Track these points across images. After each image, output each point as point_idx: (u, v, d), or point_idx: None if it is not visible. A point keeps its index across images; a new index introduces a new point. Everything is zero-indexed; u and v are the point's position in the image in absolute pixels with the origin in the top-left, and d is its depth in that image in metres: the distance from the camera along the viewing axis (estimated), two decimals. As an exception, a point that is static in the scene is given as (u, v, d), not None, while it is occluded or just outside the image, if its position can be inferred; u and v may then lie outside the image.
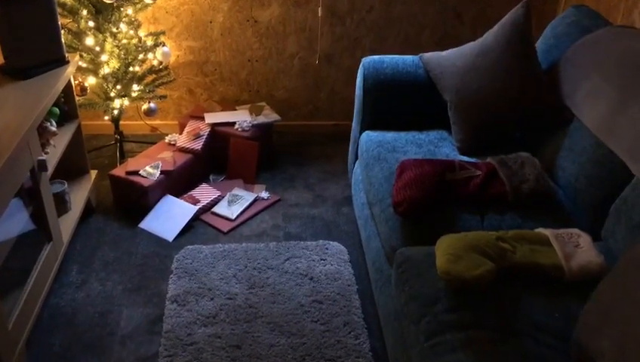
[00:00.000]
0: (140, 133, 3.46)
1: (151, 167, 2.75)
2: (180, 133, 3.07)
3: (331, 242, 2.60)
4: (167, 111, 3.45)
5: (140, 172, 2.72)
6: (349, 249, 2.58)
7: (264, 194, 2.91)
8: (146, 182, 2.68)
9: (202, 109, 3.21)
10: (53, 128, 2.28)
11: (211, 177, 3.06)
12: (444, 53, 2.49)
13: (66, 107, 2.55)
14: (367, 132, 2.55)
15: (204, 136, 2.99)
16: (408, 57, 2.59)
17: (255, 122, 3.08)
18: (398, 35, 3.32)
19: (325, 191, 3.03)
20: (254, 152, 2.99)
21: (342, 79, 3.44)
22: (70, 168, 2.68)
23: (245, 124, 3.04)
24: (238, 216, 2.76)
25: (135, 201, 2.75)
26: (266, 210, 2.85)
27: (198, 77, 3.35)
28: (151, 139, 3.40)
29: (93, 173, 2.78)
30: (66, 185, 2.47)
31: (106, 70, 2.75)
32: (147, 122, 3.43)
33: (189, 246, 2.55)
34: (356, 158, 2.69)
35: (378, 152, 2.35)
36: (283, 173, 3.16)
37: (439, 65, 2.46)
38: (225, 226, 2.70)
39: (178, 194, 2.85)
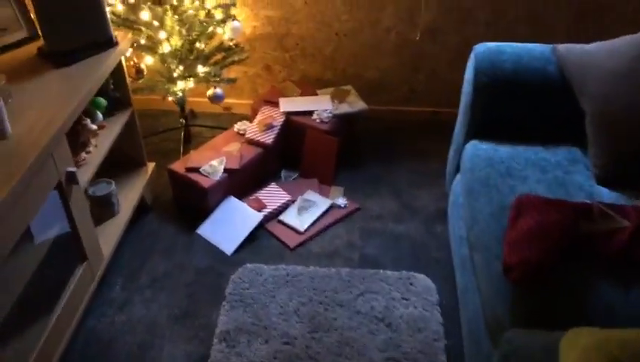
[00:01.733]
0: (211, 111, 3.09)
1: (213, 164, 2.38)
2: (252, 120, 2.66)
3: (417, 274, 2.12)
4: (242, 89, 3.04)
5: (201, 169, 2.35)
6: (439, 286, 2.09)
7: (341, 201, 2.46)
8: (206, 183, 2.32)
9: (278, 92, 2.77)
10: (94, 126, 1.94)
11: (283, 174, 2.65)
12: (588, 46, 1.86)
13: (117, 94, 2.21)
14: (474, 142, 2.00)
15: (277, 128, 2.56)
16: (536, 47, 1.98)
17: (337, 112, 2.60)
18: (519, 8, 2.66)
19: (415, 201, 2.52)
20: (333, 150, 2.53)
21: (446, 59, 2.85)
22: (123, 160, 2.37)
23: (325, 114, 2.57)
24: (308, 228, 2.34)
25: (194, 202, 2.41)
26: (341, 221, 2.41)
27: (276, 52, 2.90)
28: (222, 121, 3.03)
29: (150, 166, 2.46)
30: (114, 185, 2.15)
31: (165, 48, 2.36)
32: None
33: (248, 265, 2.17)
34: (457, 170, 2.16)
35: (487, 174, 1.81)
36: (366, 173, 2.68)
37: (580, 63, 1.83)
38: (292, 240, 2.29)
39: (243, 193, 2.47)
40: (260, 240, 2.32)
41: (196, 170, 2.37)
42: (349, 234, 2.35)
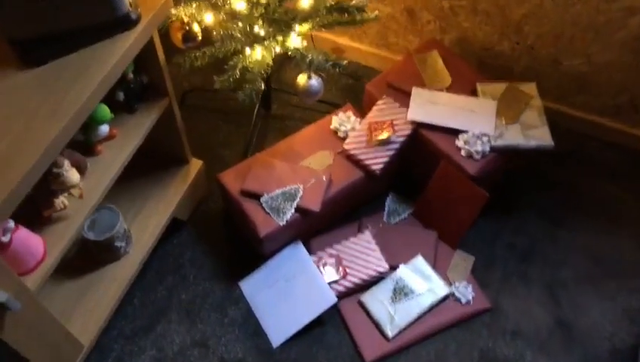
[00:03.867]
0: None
1: (280, 195, 1.53)
2: (362, 114, 1.70)
3: None
4: (366, 31, 2.00)
5: (262, 200, 1.52)
6: None
7: (465, 292, 1.57)
8: (263, 227, 1.50)
9: (411, 67, 1.72)
10: (76, 180, 1.13)
11: (388, 202, 1.75)
12: None
13: (145, 79, 1.33)
14: None
15: (397, 146, 1.60)
16: None
17: (500, 142, 1.57)
18: None
19: (582, 317, 1.58)
20: (477, 206, 1.57)
21: None
22: (157, 153, 1.57)
23: (479, 146, 1.55)
24: (400, 333, 1.52)
25: (247, 235, 1.62)
26: (456, 328, 1.55)
27: (431, -8, 1.79)
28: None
29: (195, 166, 1.64)
30: (120, 220, 1.40)
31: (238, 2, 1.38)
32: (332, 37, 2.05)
33: (294, 381, 1.44)
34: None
35: None
36: (514, 240, 1.71)
37: None
38: (371, 348, 1.50)
39: (319, 231, 1.64)
40: (325, 327, 1.54)
41: (255, 196, 1.54)
42: (460, 357, 1.51)
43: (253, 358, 1.49)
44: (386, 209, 1.74)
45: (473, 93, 1.67)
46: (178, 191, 1.58)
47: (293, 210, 1.52)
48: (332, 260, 1.59)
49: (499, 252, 1.69)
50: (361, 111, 1.73)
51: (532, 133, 1.59)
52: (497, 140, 1.57)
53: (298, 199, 1.52)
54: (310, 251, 1.63)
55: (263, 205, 1.52)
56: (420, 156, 1.67)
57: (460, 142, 1.57)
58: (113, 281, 1.44)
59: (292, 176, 1.56)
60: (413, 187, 1.74)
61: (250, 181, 1.55)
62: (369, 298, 1.56)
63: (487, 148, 1.56)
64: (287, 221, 1.51)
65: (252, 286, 1.58)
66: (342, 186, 1.59)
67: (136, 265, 1.47)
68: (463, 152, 1.56)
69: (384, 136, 1.59)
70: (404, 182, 1.77)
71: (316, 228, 1.66)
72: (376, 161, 1.59)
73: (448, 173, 1.58)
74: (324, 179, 1.56)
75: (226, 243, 1.69)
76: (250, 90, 1.44)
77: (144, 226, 1.52)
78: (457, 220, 1.63)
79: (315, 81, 1.49)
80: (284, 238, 1.59)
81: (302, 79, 1.50)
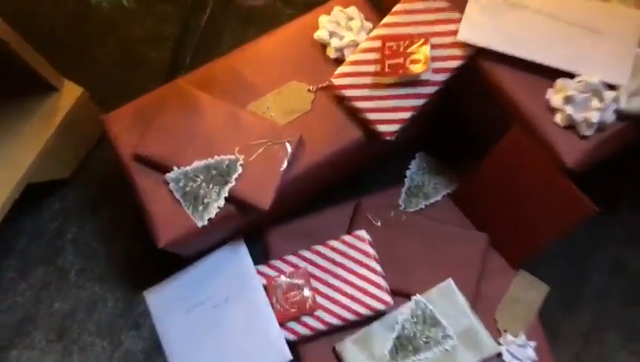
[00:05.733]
0: None
1: (206, 174, 0.83)
2: (379, 15, 0.92)
3: None
4: None
5: (169, 176, 0.84)
6: None
7: (524, 353, 0.90)
8: (167, 227, 0.83)
9: None
10: None
11: (412, 168, 1.02)
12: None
13: None
14: None
15: (430, 91, 0.84)
16: None
17: (634, 104, 0.77)
18: None
19: None
20: (571, 220, 0.82)
21: None
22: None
23: (596, 107, 0.76)
24: (396, 417, 0.89)
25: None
26: (492, 422, 0.91)
27: None
28: None
29: (72, 94, 0.94)
30: None
31: None
32: None
33: None
34: None
35: None
36: (629, 257, 0.98)
37: None
38: None
39: (282, 218, 0.97)
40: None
41: (158, 167, 0.85)
42: None
43: None
44: (406, 184, 1.02)
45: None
46: (37, 137, 0.91)
47: (222, 202, 0.83)
48: (298, 279, 0.93)
49: (594, 280, 0.98)
50: (378, 10, 0.93)
51: None
52: (635, 100, 0.77)
53: (233, 182, 0.83)
54: (264, 253, 0.97)
55: (171, 187, 0.84)
56: (475, 106, 0.91)
57: (555, 98, 0.79)
58: None
59: (229, 133, 0.85)
60: (458, 147, 1.01)
61: (152, 139, 0.86)
62: (351, 349, 0.92)
63: (611, 115, 0.77)
64: (210, 221, 0.83)
65: (162, 304, 0.96)
66: (320, 158, 0.87)
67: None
68: (559, 117, 0.78)
69: (411, 70, 0.82)
70: (443, 138, 1.03)
71: (277, 215, 0.99)
72: (390, 116, 0.85)
73: (522, 148, 0.83)
74: (289, 145, 0.84)
75: (134, 222, 1.04)
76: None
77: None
78: (531, 227, 0.90)
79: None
80: (210, 241, 0.93)
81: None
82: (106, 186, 1.06)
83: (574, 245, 1.00)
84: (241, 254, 0.93)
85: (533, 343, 0.92)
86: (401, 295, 0.94)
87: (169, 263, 0.95)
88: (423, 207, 1.00)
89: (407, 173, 1.02)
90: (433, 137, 1.05)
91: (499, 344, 0.92)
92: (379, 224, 0.98)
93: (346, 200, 1.01)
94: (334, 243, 0.94)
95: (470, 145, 1.00)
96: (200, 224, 0.83)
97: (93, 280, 1.00)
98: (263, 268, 0.94)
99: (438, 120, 1.03)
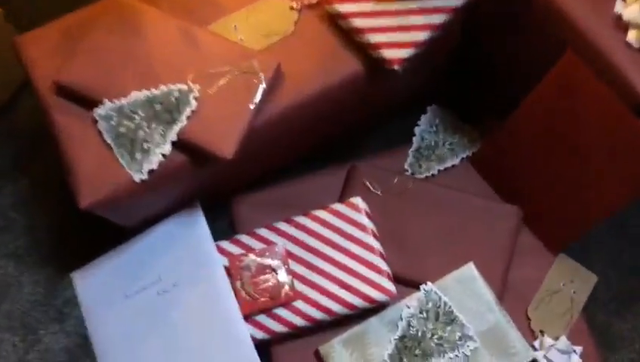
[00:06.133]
0: None
1: (147, 109, 0.61)
2: None
3: None
4: None
5: (98, 112, 0.62)
6: None
7: (565, 360, 0.69)
8: (91, 183, 0.61)
9: None
10: None
11: (422, 124, 0.80)
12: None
13: None
14: None
15: (451, 4, 0.62)
16: None
17: None
18: None
19: None
20: None
21: None
22: None
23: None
24: None
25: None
26: None
27: None
28: None
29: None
30: None
31: None
32: None
33: None
34: None
35: None
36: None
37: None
38: None
39: (253, 179, 0.75)
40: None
41: (85, 101, 0.63)
42: None
43: None
44: (414, 143, 0.80)
45: None
46: None
47: (168, 149, 0.61)
48: (272, 259, 0.70)
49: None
50: None
51: None
52: None
53: (183, 122, 0.61)
54: (230, 229, 0.75)
55: (100, 127, 0.62)
56: (508, 43, 0.69)
57: (629, 10, 0.57)
58: None
59: (181, 56, 0.63)
60: (479, 104, 0.79)
61: (78, 64, 0.63)
62: (339, 353, 0.70)
63: None
64: (152, 175, 0.61)
65: (94, 289, 0.73)
66: (304, 97, 0.65)
67: None
68: (633, 35, 0.57)
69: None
70: (460, 93, 0.82)
71: (247, 178, 0.77)
72: (400, 38, 0.63)
73: (578, 82, 0.61)
74: (263, 76, 0.62)
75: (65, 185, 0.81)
76: None
77: None
78: (583, 194, 0.68)
79: None
80: (154, 206, 0.71)
81: None
82: (35, 140, 0.84)
83: (631, 223, 0.79)
84: (196, 225, 0.71)
85: (578, 348, 0.70)
86: (406, 283, 0.72)
87: (105, 238, 0.72)
88: (436, 172, 0.78)
89: (417, 130, 0.80)
90: (448, 92, 0.84)
91: (533, 349, 0.70)
92: (379, 193, 0.76)
93: (338, 165, 0.79)
94: (321, 213, 0.72)
95: (494, 102, 0.78)
96: (137, 178, 0.61)
97: (7, 258, 0.77)
98: (225, 244, 0.71)
99: (455, 68, 0.82)
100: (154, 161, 0.61)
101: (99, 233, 0.73)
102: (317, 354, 0.71)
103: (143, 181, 0.61)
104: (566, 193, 0.69)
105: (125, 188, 0.62)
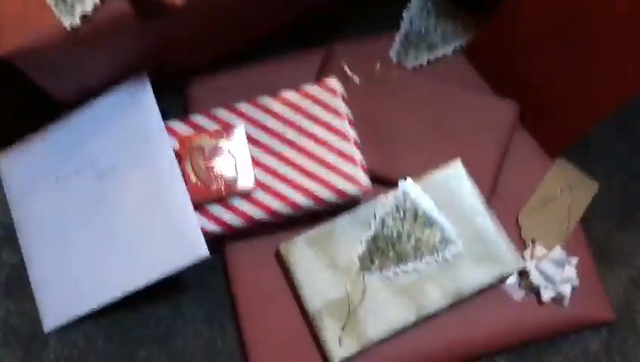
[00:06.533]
0: None
1: None
2: None
3: None
4: None
5: None
6: None
7: (557, 274, 0.60)
8: (16, 29, 0.50)
9: None
10: None
11: (411, 8, 0.70)
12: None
13: None
14: None
15: None
16: None
17: None
18: None
19: None
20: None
21: None
22: None
23: None
24: (375, 349, 0.59)
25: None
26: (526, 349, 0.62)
27: None
28: None
29: None
30: None
31: None
32: None
33: None
34: None
35: None
36: None
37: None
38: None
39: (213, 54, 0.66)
40: (180, 296, 0.63)
41: None
42: None
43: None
44: (402, 29, 0.70)
45: None
46: None
47: (105, -12, 0.50)
48: (228, 141, 0.61)
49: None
50: None
51: None
52: None
53: (125, -46, 0.50)
54: (185, 112, 0.66)
55: (26, -41, 0.51)
56: None
57: None
58: None
59: None
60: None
61: None
62: (302, 252, 0.61)
63: None
64: (85, 21, 0.51)
65: (20, 171, 0.63)
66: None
67: None
68: None
69: None
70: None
71: (205, 53, 0.66)
72: None
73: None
74: None
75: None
76: None
77: None
78: (592, 85, 0.59)
79: None
80: (92, 71, 0.60)
81: None
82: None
83: (634, 130, 0.70)
84: (142, 99, 0.60)
85: (574, 259, 0.62)
86: (384, 182, 0.63)
87: (38, 114, 0.62)
88: (425, 62, 0.69)
89: (405, 14, 0.70)
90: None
91: (523, 258, 0.62)
92: (357, 81, 0.66)
93: (314, 49, 0.69)
94: (289, 94, 0.62)
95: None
96: (67, 22, 0.50)
97: None
98: (176, 124, 0.61)
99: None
100: (88, 4, 0.51)
101: (29, 109, 0.62)
102: (277, 254, 0.62)
103: (74, 28, 0.51)
104: (568, 86, 0.60)
105: (53, 36, 0.51)
